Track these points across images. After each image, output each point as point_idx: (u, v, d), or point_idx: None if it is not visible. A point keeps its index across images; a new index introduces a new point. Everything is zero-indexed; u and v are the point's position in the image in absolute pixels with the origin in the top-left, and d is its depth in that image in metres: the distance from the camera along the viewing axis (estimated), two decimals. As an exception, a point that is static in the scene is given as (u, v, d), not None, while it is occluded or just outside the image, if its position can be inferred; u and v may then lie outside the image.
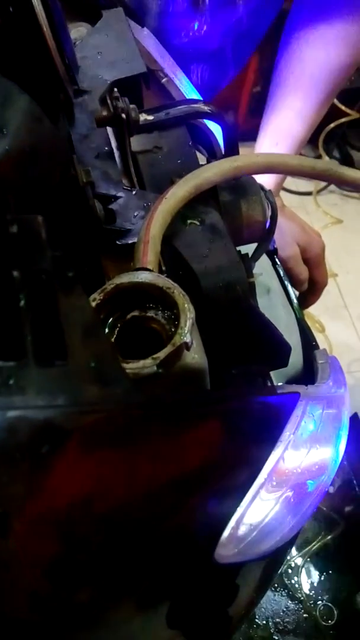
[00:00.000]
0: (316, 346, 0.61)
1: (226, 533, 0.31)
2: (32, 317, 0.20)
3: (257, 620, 1.25)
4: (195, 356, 0.34)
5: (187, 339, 0.30)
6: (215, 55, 0.77)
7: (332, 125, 1.49)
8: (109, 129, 0.42)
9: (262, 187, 0.49)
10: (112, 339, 0.32)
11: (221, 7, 0.71)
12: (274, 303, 0.60)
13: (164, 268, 0.36)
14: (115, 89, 0.39)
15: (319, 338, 1.50)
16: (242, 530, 0.33)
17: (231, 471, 0.30)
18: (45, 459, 0.19)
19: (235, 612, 0.40)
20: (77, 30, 0.49)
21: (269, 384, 0.35)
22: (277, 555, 0.43)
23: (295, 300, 0.65)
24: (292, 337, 0.59)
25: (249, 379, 0.33)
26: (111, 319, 0.32)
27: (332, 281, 1.68)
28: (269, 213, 0.49)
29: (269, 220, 0.51)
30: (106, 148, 0.39)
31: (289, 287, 0.66)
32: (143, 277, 0.31)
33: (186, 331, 0.30)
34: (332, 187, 1.97)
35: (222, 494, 0.29)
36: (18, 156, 0.27)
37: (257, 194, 0.47)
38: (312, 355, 0.58)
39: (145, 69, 0.44)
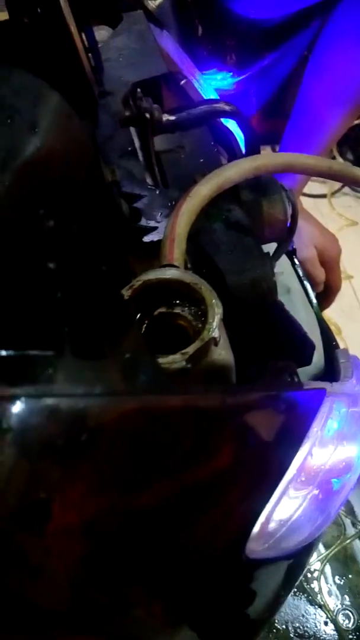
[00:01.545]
0: (337, 345, 0.61)
1: (257, 528, 0.31)
2: (69, 308, 0.20)
3: (276, 624, 1.24)
4: (222, 352, 0.34)
5: (215, 334, 0.30)
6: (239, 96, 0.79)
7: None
8: (132, 130, 0.42)
9: (283, 187, 0.49)
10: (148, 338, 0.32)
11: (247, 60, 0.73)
12: (294, 303, 0.60)
13: (189, 266, 0.36)
14: (139, 90, 0.40)
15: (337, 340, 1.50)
16: (272, 526, 0.32)
17: (261, 466, 0.30)
18: (85, 447, 0.19)
19: (259, 614, 0.40)
20: (99, 34, 0.49)
21: (296, 380, 0.35)
22: (302, 555, 0.43)
23: (314, 300, 0.65)
24: (313, 336, 0.58)
25: (276, 375, 0.33)
26: (139, 316, 0.33)
27: (348, 284, 1.67)
28: (289, 212, 0.49)
29: (289, 220, 0.51)
30: (130, 148, 0.40)
31: (309, 287, 0.66)
32: (170, 273, 0.32)
33: (214, 327, 0.30)
34: (346, 189, 1.96)
35: (253, 489, 0.29)
36: (49, 154, 0.27)
37: (278, 193, 0.47)
38: (333, 354, 0.58)
39: (166, 70, 0.45)
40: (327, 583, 1.27)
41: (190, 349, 0.29)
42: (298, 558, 0.42)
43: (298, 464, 0.32)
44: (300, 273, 0.68)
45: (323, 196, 1.88)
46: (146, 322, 0.33)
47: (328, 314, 1.57)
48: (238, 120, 0.47)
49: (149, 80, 0.45)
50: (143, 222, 0.36)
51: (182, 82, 0.57)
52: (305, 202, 1.94)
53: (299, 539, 0.36)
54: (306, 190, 2.00)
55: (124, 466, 0.22)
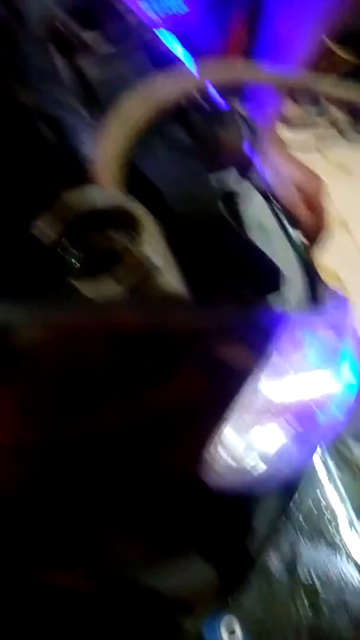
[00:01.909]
0: (320, 280, 0.58)
1: (231, 460, 0.29)
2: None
3: (299, 573, 1.24)
4: (171, 281, 0.31)
5: (147, 251, 0.27)
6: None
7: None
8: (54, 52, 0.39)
9: (239, 111, 0.45)
10: (77, 265, 0.30)
11: None
12: (271, 241, 0.57)
13: (125, 191, 0.33)
14: (53, 7, 0.36)
15: (337, 290, 1.46)
16: (248, 456, 0.30)
17: (215, 390, 0.27)
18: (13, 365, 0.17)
19: (254, 545, 0.39)
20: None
21: (254, 304, 0.33)
22: (288, 488, 0.41)
23: (295, 238, 0.62)
24: (293, 273, 0.56)
25: (236, 300, 0.31)
26: (72, 244, 0.30)
27: (344, 231, 1.62)
28: (246, 135, 0.46)
29: (248, 144, 0.47)
30: (53, 72, 0.37)
31: (288, 226, 0.63)
32: (97, 196, 0.29)
33: (146, 245, 0.27)
34: (338, 136, 1.90)
35: (208, 412, 0.27)
36: None
37: (233, 118, 0.44)
38: (316, 290, 0.55)
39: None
40: (347, 528, 1.26)
41: (120, 269, 0.27)
42: (283, 493, 0.41)
43: (260, 385, 0.29)
44: (279, 212, 0.65)
45: (311, 147, 1.82)
46: (82, 251, 0.30)
47: (328, 264, 1.53)
48: (182, 44, 0.43)
49: (80, 6, 0.42)
50: (71, 146, 0.33)
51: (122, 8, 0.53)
52: (295, 152, 1.89)
53: (278, 471, 0.34)
54: (297, 139, 1.95)
55: (61, 390, 0.20)
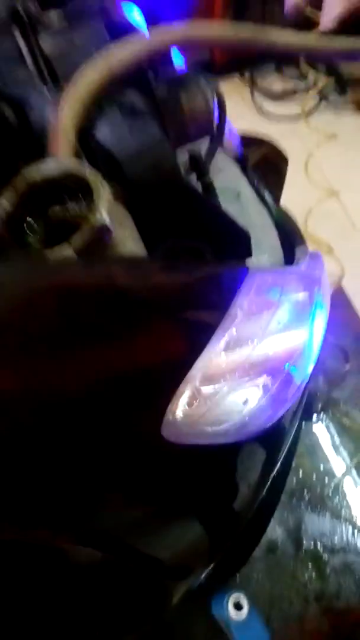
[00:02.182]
0: (299, 243, 0.58)
1: (194, 417, 0.30)
2: None
3: (304, 543, 1.26)
4: (129, 245, 0.32)
5: (104, 218, 0.28)
6: None
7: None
8: (18, 35, 0.39)
9: (204, 79, 0.45)
10: (38, 239, 0.30)
11: None
12: (244, 207, 0.57)
13: (85, 160, 0.33)
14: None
15: (328, 260, 1.45)
16: (215, 412, 0.31)
17: (179, 342, 0.28)
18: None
19: (241, 507, 0.40)
20: None
21: (210, 259, 0.33)
22: (270, 447, 0.42)
23: (272, 203, 0.62)
24: (269, 238, 0.56)
25: (192, 255, 0.31)
26: (31, 218, 0.30)
27: (337, 201, 1.62)
28: (213, 104, 0.45)
29: (217, 113, 0.47)
30: (14, 53, 0.37)
31: (263, 191, 0.63)
32: (52, 165, 0.29)
33: (100, 209, 0.28)
34: (323, 103, 1.88)
35: (174, 369, 0.27)
36: None
37: (196, 84, 0.44)
38: (293, 253, 0.55)
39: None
40: (348, 498, 1.28)
41: (77, 237, 0.27)
42: (266, 454, 0.42)
43: (223, 340, 0.29)
44: (254, 179, 0.64)
45: (298, 117, 1.81)
46: (42, 224, 0.31)
47: (319, 234, 1.53)
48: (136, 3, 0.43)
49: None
50: (34, 123, 0.33)
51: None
52: (282, 128, 1.87)
53: (256, 424, 0.34)
54: (282, 111, 1.93)
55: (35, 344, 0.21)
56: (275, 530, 1.24)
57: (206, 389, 0.29)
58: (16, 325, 0.22)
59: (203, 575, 0.44)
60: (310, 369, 0.39)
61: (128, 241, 0.31)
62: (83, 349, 0.24)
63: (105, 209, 0.27)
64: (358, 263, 1.53)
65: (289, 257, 0.57)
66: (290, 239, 0.60)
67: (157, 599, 0.41)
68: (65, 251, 0.27)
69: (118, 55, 0.34)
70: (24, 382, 0.22)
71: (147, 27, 0.47)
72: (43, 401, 0.24)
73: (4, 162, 0.33)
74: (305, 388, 0.45)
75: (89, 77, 0.33)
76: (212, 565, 0.44)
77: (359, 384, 1.44)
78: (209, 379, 0.29)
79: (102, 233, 0.28)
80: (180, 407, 0.27)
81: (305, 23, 0.47)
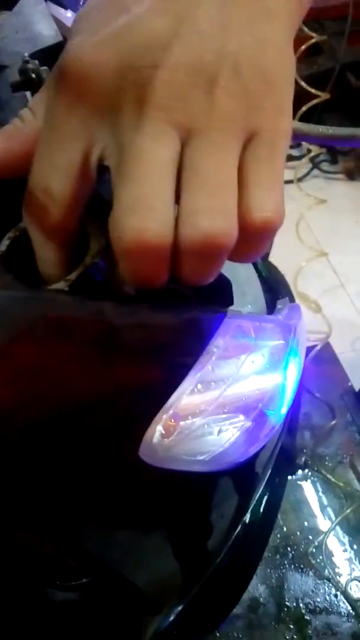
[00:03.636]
0: (282, 295, 0.62)
1: (169, 450, 0.32)
2: None
3: (287, 602, 1.23)
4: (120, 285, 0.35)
5: (98, 260, 0.31)
6: None
7: (304, 108, 1.49)
8: (30, 96, 0.43)
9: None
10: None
11: None
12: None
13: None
14: (25, 54, 0.41)
15: (316, 318, 1.50)
16: (187, 446, 0.33)
17: (150, 388, 0.31)
18: None
19: (213, 545, 0.41)
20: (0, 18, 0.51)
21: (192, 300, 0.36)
22: (243, 486, 0.43)
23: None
24: (253, 289, 0.59)
25: (176, 297, 0.34)
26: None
27: (325, 261, 1.68)
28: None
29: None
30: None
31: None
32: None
33: (95, 252, 0.31)
34: (316, 172, 1.98)
35: (139, 405, 0.30)
36: None
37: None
38: (274, 303, 0.59)
39: (60, 39, 0.46)
40: (333, 556, 1.26)
41: (72, 276, 0.30)
42: (241, 494, 0.43)
43: (196, 379, 0.32)
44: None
45: (291, 182, 1.90)
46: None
47: (308, 293, 1.58)
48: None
49: (47, 50, 0.47)
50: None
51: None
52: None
53: (229, 457, 0.36)
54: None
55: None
56: (257, 588, 1.21)
57: (182, 419, 0.31)
58: (9, 350, 0.25)
59: (172, 617, 0.45)
60: (283, 412, 0.42)
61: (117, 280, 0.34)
62: (73, 372, 0.27)
63: (100, 251, 0.31)
64: (345, 321, 1.58)
65: (272, 308, 0.61)
66: (274, 291, 0.64)
67: (132, 633, 0.42)
68: (61, 287, 0.30)
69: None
70: (18, 398, 0.25)
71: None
72: (34, 417, 0.27)
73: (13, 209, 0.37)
74: (280, 435, 0.48)
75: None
76: (181, 607, 0.44)
77: (345, 439, 1.46)
78: (184, 410, 0.31)
79: (95, 272, 0.31)
80: (157, 432, 0.29)
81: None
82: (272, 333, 0.41)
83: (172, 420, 0.30)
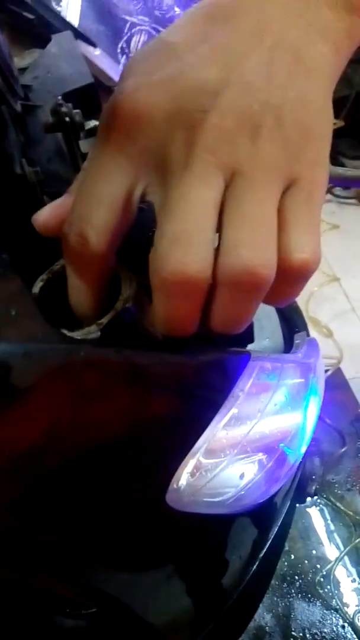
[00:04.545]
0: (299, 330, 0.62)
1: (196, 491, 0.32)
2: None
3: (293, 632, 1.22)
4: (148, 327, 0.36)
5: (129, 305, 0.32)
6: None
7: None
8: (61, 137, 0.45)
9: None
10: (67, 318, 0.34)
11: None
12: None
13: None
14: (60, 97, 0.43)
15: (327, 343, 1.50)
16: (213, 487, 0.34)
17: (178, 426, 0.31)
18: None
19: (229, 583, 0.41)
20: (32, 56, 0.53)
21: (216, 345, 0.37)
22: (261, 524, 0.43)
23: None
24: (271, 324, 0.60)
25: (197, 340, 0.35)
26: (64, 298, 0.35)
27: (337, 286, 1.69)
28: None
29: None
30: (57, 152, 0.43)
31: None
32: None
33: (126, 298, 0.32)
34: (329, 196, 1.99)
35: (168, 449, 0.31)
36: None
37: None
38: (292, 338, 0.59)
39: (91, 80, 0.48)
40: (341, 586, 1.25)
41: (104, 319, 0.31)
42: (259, 530, 0.43)
43: (222, 423, 0.33)
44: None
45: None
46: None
47: (319, 317, 1.58)
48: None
49: (77, 90, 0.48)
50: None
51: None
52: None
53: (251, 498, 0.37)
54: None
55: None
56: (264, 616, 1.20)
57: (208, 462, 0.32)
58: (44, 390, 0.26)
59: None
60: (303, 450, 0.42)
61: (147, 323, 0.35)
62: (103, 408, 0.28)
63: (131, 296, 0.32)
64: (356, 346, 1.57)
65: (289, 341, 0.61)
66: (290, 324, 0.65)
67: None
68: (93, 330, 0.31)
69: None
70: (48, 436, 0.26)
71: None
72: (64, 455, 0.27)
73: (45, 248, 0.38)
74: (297, 469, 0.48)
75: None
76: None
77: (355, 467, 1.44)
78: (211, 453, 0.32)
79: (125, 316, 0.32)
80: (184, 476, 0.30)
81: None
82: (293, 373, 0.42)
83: (198, 464, 0.31)
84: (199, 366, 0.33)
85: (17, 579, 0.31)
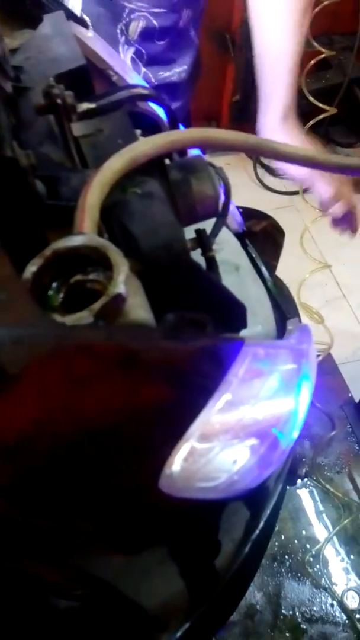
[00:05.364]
0: (291, 315, 0.62)
1: (189, 475, 0.33)
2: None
3: (283, 611, 1.24)
4: (140, 312, 0.36)
5: (122, 290, 0.32)
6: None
7: (311, 122, 1.49)
8: (53, 119, 0.44)
9: (211, 164, 0.51)
10: (59, 303, 0.34)
11: None
12: (242, 279, 0.62)
13: (105, 236, 0.38)
14: (52, 79, 0.42)
15: (319, 329, 1.50)
16: (206, 471, 0.34)
17: (171, 412, 0.31)
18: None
19: (222, 565, 0.42)
20: (23, 37, 0.52)
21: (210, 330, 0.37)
22: (254, 507, 0.44)
23: (268, 277, 0.67)
24: (264, 309, 0.60)
25: (190, 326, 0.35)
26: (55, 284, 0.34)
27: (328, 272, 1.69)
28: (220, 188, 0.51)
29: (222, 195, 0.53)
30: (48, 135, 0.42)
31: (261, 265, 0.68)
32: (78, 239, 0.33)
33: (119, 282, 0.32)
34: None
35: (161, 434, 0.31)
36: None
37: (205, 170, 0.49)
38: (285, 323, 0.60)
39: (84, 62, 0.47)
40: (331, 566, 1.27)
41: (97, 305, 0.31)
42: (250, 514, 0.44)
43: (215, 410, 0.33)
44: (253, 253, 0.70)
45: (296, 193, 1.91)
46: (64, 290, 0.35)
47: (311, 303, 1.58)
48: (157, 103, 0.49)
49: (70, 72, 0.47)
50: (63, 200, 0.38)
51: (114, 78, 0.59)
52: (281, 200, 1.98)
53: (243, 483, 0.37)
54: (282, 188, 2.04)
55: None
56: (254, 595, 1.22)
57: (201, 447, 0.32)
58: (34, 376, 0.26)
59: (178, 635, 0.45)
60: (295, 435, 0.42)
61: (140, 309, 0.35)
62: (96, 391, 0.28)
63: (123, 280, 0.32)
64: (347, 332, 1.58)
65: (281, 327, 0.61)
66: (283, 310, 0.65)
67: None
68: (85, 316, 0.31)
69: (143, 149, 0.39)
70: (41, 420, 0.26)
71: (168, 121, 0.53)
72: (58, 439, 0.27)
73: (35, 232, 0.37)
74: (289, 454, 0.48)
75: (115, 165, 0.38)
76: (187, 624, 0.45)
77: (344, 450, 1.46)
78: (204, 438, 0.32)
79: (118, 301, 0.32)
80: (178, 461, 0.30)
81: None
82: (286, 359, 0.42)
83: (192, 449, 0.31)
84: (192, 352, 0.33)
85: (7, 564, 0.31)
